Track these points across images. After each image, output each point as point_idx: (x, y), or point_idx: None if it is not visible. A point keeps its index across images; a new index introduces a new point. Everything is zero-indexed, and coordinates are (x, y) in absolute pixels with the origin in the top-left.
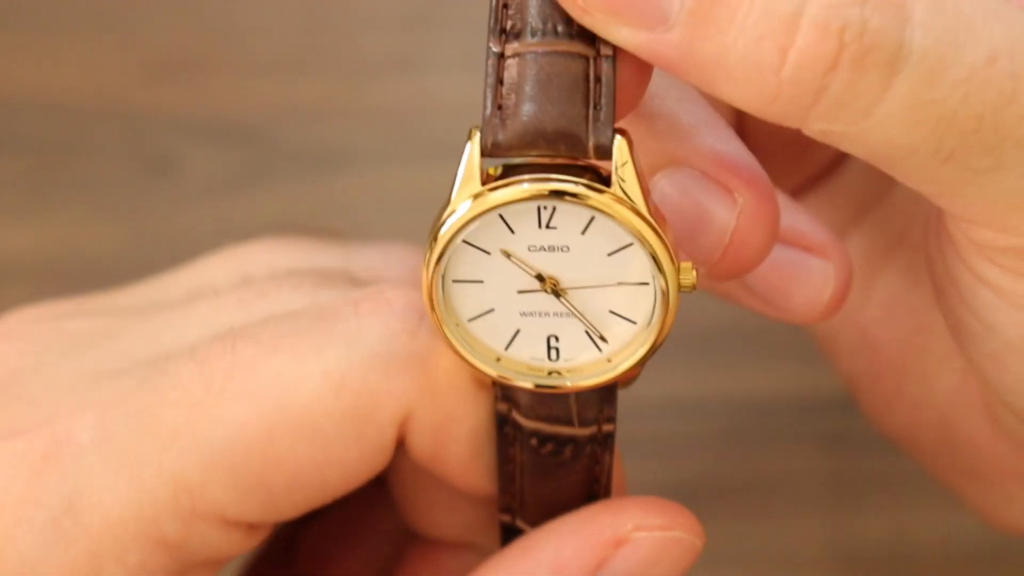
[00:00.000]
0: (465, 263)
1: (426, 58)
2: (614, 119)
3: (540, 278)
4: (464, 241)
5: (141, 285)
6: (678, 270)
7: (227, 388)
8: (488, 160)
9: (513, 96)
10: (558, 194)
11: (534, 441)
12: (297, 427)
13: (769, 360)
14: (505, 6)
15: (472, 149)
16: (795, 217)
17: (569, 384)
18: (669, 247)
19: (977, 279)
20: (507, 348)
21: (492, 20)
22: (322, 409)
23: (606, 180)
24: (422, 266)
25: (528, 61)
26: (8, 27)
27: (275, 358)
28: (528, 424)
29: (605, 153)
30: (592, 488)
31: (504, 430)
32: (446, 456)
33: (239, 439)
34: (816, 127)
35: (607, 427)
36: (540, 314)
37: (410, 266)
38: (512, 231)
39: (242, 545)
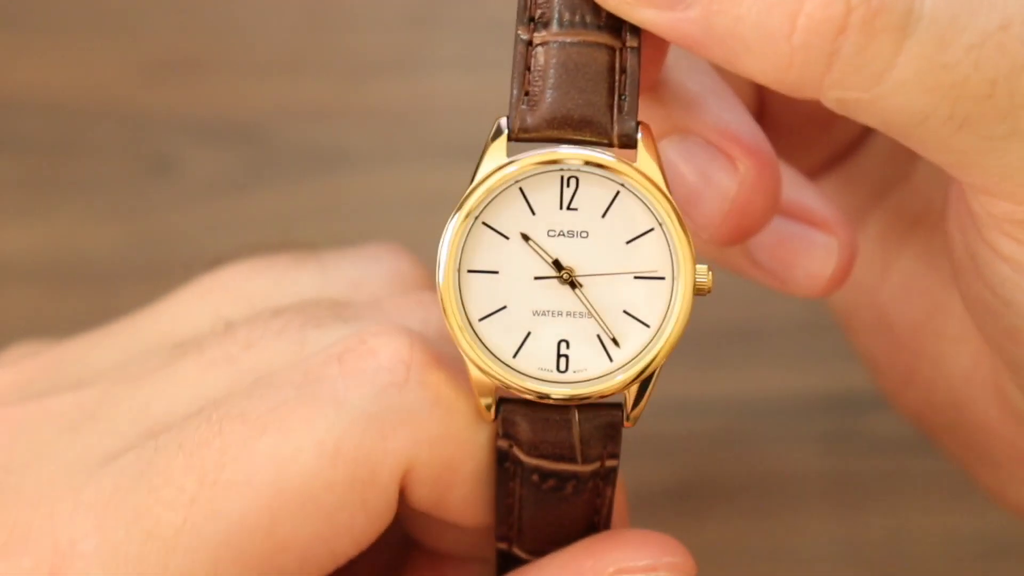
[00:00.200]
0: (482, 249)
1: (426, 58)
2: (637, 110)
3: (558, 265)
4: (483, 223)
5: (119, 331)
6: (695, 261)
7: (220, 479)
8: (514, 146)
9: (540, 83)
10: (587, 163)
11: (535, 477)
12: (298, 506)
13: (769, 360)
14: None
15: (497, 132)
16: (802, 193)
17: (579, 392)
18: (689, 234)
19: (995, 253)
20: (515, 355)
21: (521, 8)
22: (321, 482)
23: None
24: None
25: (555, 50)
26: (8, 27)
27: (264, 437)
28: (530, 461)
29: (630, 141)
30: (592, 519)
31: (504, 465)
32: (447, 501)
33: (241, 531)
34: (831, 95)
35: (610, 463)
36: (553, 313)
37: (390, 271)
38: (533, 211)
39: None
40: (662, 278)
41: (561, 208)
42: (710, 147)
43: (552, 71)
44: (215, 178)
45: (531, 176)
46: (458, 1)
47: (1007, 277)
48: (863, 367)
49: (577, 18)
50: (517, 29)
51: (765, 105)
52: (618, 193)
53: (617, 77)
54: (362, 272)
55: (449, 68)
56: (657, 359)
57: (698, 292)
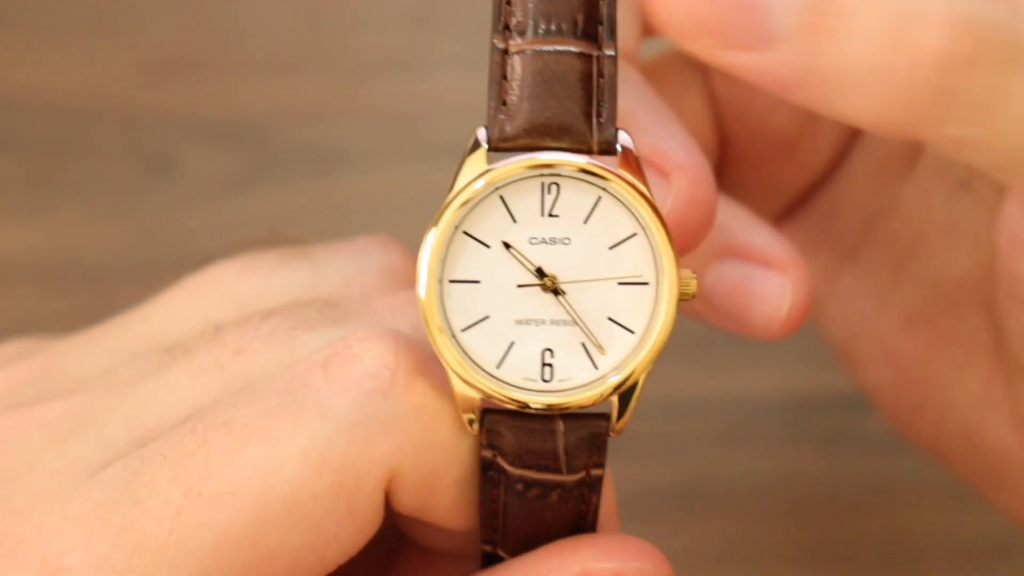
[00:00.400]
0: (463, 259)
1: (426, 58)
2: (616, 116)
3: (540, 273)
4: (464, 232)
5: (107, 333)
6: (679, 266)
7: (205, 490)
8: (493, 156)
9: (518, 92)
10: (574, 169)
11: (520, 486)
12: (284, 516)
13: (769, 360)
14: (508, 3)
15: (475, 142)
16: (754, 233)
17: (560, 402)
18: (673, 239)
19: None
20: (499, 365)
21: (495, 16)
22: (307, 492)
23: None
24: (417, 259)
25: (532, 58)
26: (8, 27)
27: (249, 447)
28: (514, 471)
29: (610, 148)
30: (577, 524)
31: (489, 474)
32: (433, 507)
33: (227, 542)
34: (944, 132)
35: (596, 472)
36: (536, 322)
37: (381, 265)
38: (514, 219)
39: None
40: (646, 283)
41: (543, 215)
42: (643, 162)
43: (529, 80)
44: (215, 178)
45: (511, 183)
46: (458, 1)
47: None
48: (838, 359)
49: (553, 26)
50: (492, 38)
51: (728, 142)
52: (600, 199)
53: (595, 84)
54: (353, 268)
55: (449, 68)
56: (643, 365)
57: (683, 297)
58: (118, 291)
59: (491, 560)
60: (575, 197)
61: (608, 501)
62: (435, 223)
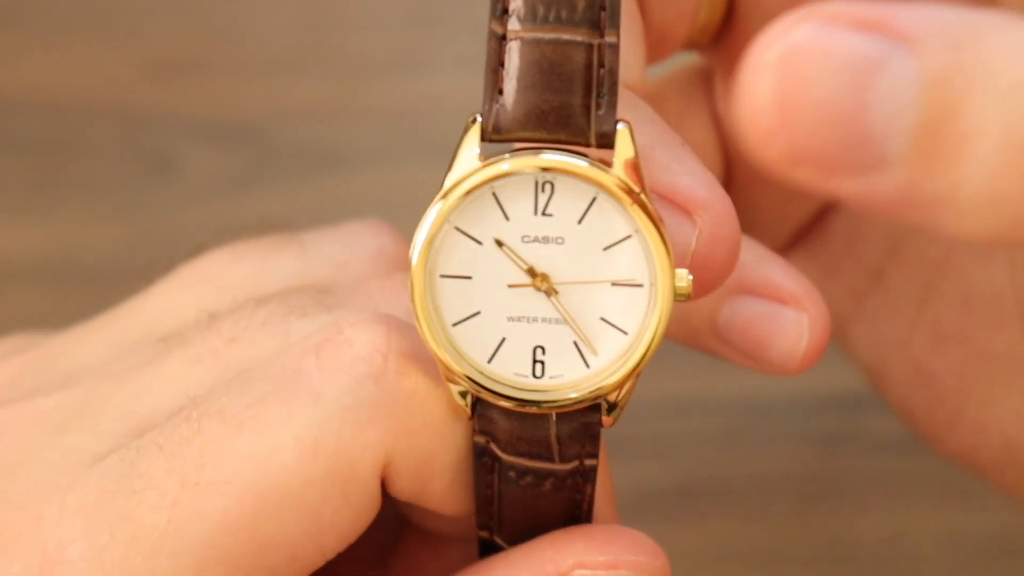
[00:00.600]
0: (455, 255)
1: (426, 58)
2: (617, 108)
3: (532, 272)
4: (456, 228)
5: (103, 325)
6: (674, 268)
7: (201, 479)
8: (487, 147)
9: (515, 82)
10: (561, 171)
11: (513, 474)
12: (280, 504)
13: None
14: None
15: (471, 133)
16: (769, 268)
17: (551, 399)
18: (667, 241)
19: None
20: (490, 361)
21: (494, 1)
22: (302, 479)
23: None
24: (408, 256)
25: (530, 47)
26: (8, 27)
27: (243, 435)
28: (507, 458)
29: (608, 141)
30: (572, 513)
31: (482, 460)
32: (428, 492)
33: (224, 531)
34: None
35: (589, 462)
36: (528, 320)
37: (372, 248)
38: (507, 217)
39: None
40: (640, 285)
41: (536, 214)
42: (663, 201)
43: (526, 70)
44: (215, 178)
45: (504, 181)
46: (458, 1)
47: None
48: (867, 380)
49: (552, 14)
50: (490, 23)
51: (733, 164)
52: (595, 199)
53: (595, 74)
54: (344, 252)
55: (449, 68)
56: (637, 366)
57: (677, 298)
58: (118, 291)
59: (488, 545)
60: (570, 197)
61: (606, 491)
62: (426, 217)
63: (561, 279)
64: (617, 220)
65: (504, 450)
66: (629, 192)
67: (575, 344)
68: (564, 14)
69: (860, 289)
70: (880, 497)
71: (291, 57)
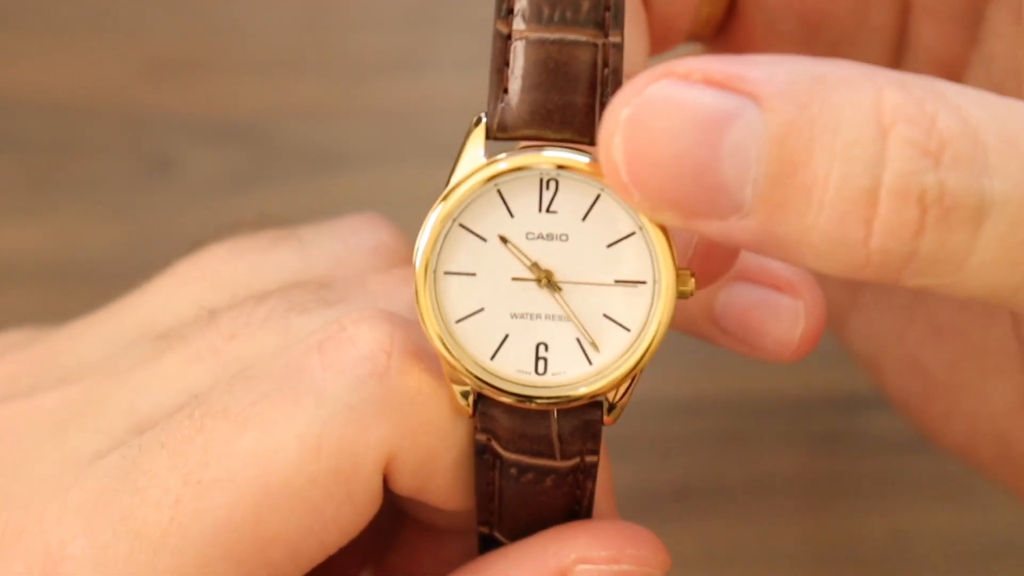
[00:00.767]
0: (459, 251)
1: (426, 58)
2: None
3: (537, 268)
4: (460, 225)
5: (101, 321)
6: (677, 266)
7: (204, 477)
8: (492, 145)
9: (520, 81)
10: (565, 167)
11: (514, 471)
12: (284, 501)
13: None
14: None
15: (476, 131)
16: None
17: (553, 396)
18: (670, 239)
19: None
20: (493, 357)
21: (499, 1)
22: (305, 476)
23: None
24: (412, 256)
25: (535, 47)
26: (8, 27)
27: (246, 433)
28: (508, 456)
29: None
30: (572, 509)
31: (484, 457)
32: (430, 488)
33: (227, 528)
34: (911, 283)
35: (590, 458)
36: (531, 316)
37: (371, 243)
38: (511, 214)
39: None
40: (643, 282)
41: (540, 211)
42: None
43: (531, 69)
44: (215, 178)
45: (509, 178)
46: (458, 1)
47: None
48: (863, 370)
49: (557, 14)
50: (495, 23)
51: None
52: (599, 196)
53: (599, 74)
54: (343, 247)
55: (449, 68)
56: (639, 363)
57: (680, 295)
58: (118, 291)
59: (488, 541)
60: (574, 194)
61: (605, 486)
62: (431, 214)
63: (565, 276)
64: (621, 217)
65: (506, 448)
66: None
67: (578, 341)
68: (569, 14)
69: (856, 282)
70: (880, 497)
71: (291, 57)
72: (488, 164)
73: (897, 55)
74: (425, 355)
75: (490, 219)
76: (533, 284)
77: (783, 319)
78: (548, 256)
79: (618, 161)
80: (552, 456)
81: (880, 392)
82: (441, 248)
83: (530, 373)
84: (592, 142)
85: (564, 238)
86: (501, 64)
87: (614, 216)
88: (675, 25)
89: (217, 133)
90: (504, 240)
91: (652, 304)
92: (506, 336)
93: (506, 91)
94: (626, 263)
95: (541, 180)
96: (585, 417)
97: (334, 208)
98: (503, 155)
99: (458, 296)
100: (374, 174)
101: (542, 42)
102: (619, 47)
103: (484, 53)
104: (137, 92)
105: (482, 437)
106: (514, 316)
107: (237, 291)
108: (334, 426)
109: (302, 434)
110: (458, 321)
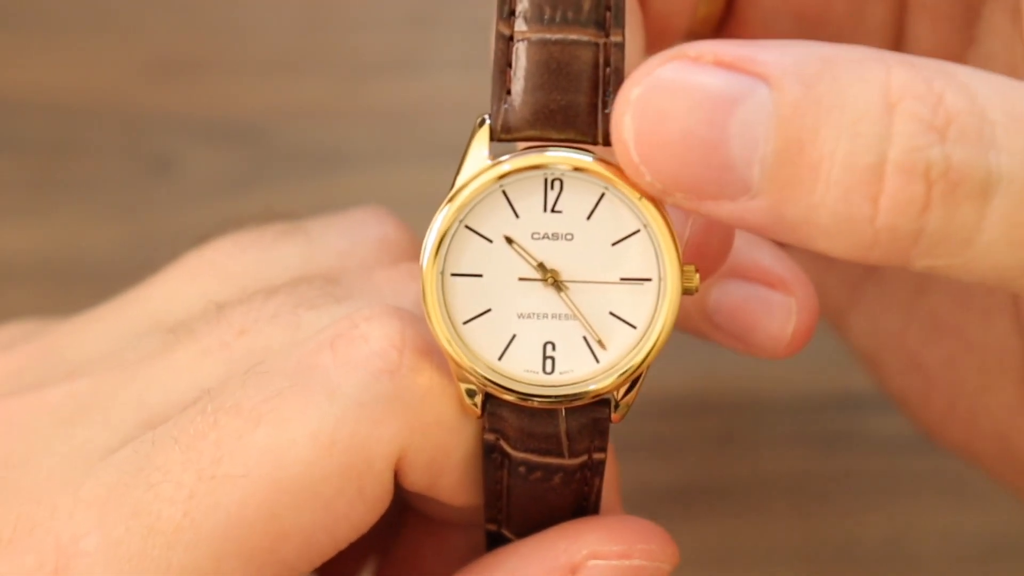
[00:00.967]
0: (465, 253)
1: (426, 58)
2: None
3: (543, 268)
4: (467, 227)
5: (109, 314)
6: (681, 263)
7: (218, 472)
8: (496, 147)
9: (522, 82)
10: (569, 167)
11: (523, 469)
12: (297, 497)
13: (770, 360)
14: None
15: (479, 133)
16: (758, 252)
17: (561, 394)
18: (675, 236)
19: None
20: (501, 358)
21: (501, 2)
22: (318, 473)
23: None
24: (419, 258)
25: (537, 47)
26: (8, 27)
27: (259, 429)
28: (517, 455)
29: None
30: (580, 505)
31: (492, 456)
32: (439, 485)
33: (240, 524)
34: (919, 264)
35: (598, 456)
36: (538, 316)
37: (377, 237)
38: (517, 215)
39: None
40: (648, 280)
41: (545, 211)
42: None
43: (534, 70)
44: (215, 178)
45: (514, 179)
46: (458, 1)
47: None
48: (863, 367)
49: (558, 14)
50: (497, 24)
51: None
52: (603, 195)
53: (601, 73)
54: (349, 241)
55: (449, 68)
56: (645, 360)
57: (685, 292)
58: (118, 291)
59: (495, 538)
60: (578, 193)
61: (612, 483)
62: (438, 216)
63: (571, 275)
64: (625, 215)
65: (514, 447)
66: (636, 187)
67: (584, 339)
68: (570, 15)
69: (856, 279)
70: (880, 497)
71: (291, 57)
72: (493, 165)
73: None
74: (435, 352)
75: (496, 220)
76: (539, 284)
77: (775, 315)
78: (554, 256)
79: (628, 140)
80: (560, 454)
81: (880, 390)
82: (448, 250)
83: (538, 372)
84: (595, 141)
85: (569, 237)
86: (503, 65)
87: (618, 215)
88: (672, 24)
89: (217, 133)
90: (510, 241)
91: (658, 301)
92: (513, 336)
93: (509, 92)
94: (631, 261)
95: (546, 180)
96: (593, 415)
97: (334, 208)
98: (507, 156)
99: (465, 297)
100: (374, 174)
101: (544, 43)
102: (620, 46)
103: (484, 53)
104: (137, 92)
105: (491, 436)
106: (521, 316)
107: (245, 285)
108: (347, 423)
109: (315, 431)
110: (465, 322)
